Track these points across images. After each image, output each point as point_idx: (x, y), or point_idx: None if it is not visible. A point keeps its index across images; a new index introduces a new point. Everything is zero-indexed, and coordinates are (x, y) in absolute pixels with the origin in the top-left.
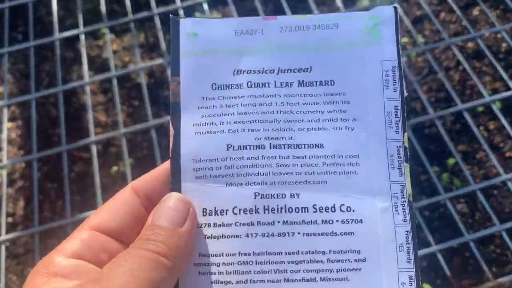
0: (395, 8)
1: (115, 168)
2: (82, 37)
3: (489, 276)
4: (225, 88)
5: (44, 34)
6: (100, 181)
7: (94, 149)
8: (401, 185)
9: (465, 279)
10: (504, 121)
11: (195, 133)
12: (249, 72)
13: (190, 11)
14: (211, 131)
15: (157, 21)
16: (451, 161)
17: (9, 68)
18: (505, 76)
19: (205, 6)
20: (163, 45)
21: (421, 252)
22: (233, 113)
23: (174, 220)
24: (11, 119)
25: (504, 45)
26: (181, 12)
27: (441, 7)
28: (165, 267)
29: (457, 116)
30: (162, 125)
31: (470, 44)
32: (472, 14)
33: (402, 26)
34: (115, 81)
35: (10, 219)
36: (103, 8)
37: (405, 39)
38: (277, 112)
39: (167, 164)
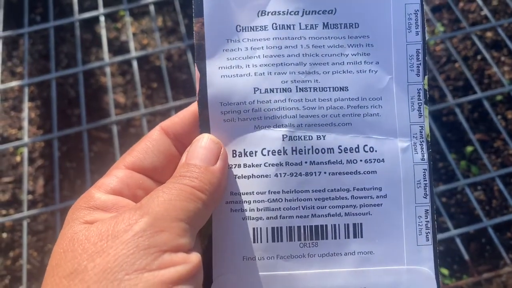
0: None
1: None
2: (102, 18)
3: (508, 262)
4: (250, 30)
5: (62, 16)
6: None
7: (115, 129)
8: (420, 126)
9: (482, 264)
10: None
11: (221, 76)
12: (273, 13)
13: None
14: (237, 74)
15: (177, 4)
16: (469, 148)
17: (28, 49)
18: None
19: None
20: (182, 29)
21: (440, 236)
22: (259, 55)
23: (207, 159)
24: (30, 99)
25: None
26: None
27: None
28: (200, 199)
29: (475, 104)
30: (181, 107)
31: (488, 34)
32: (492, 4)
33: None
34: (135, 63)
35: (30, 197)
36: None
37: None
38: (303, 55)
39: (194, 106)
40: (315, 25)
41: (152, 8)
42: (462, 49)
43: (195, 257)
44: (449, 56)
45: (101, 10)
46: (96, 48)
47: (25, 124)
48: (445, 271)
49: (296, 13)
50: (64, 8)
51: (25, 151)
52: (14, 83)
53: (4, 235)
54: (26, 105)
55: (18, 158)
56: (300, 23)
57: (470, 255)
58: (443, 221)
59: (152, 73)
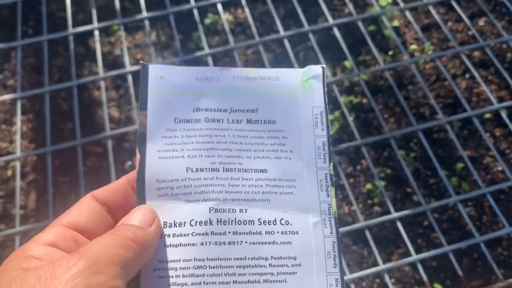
0: (322, 67)
1: (129, 163)
2: (96, 33)
3: (500, 277)
4: (186, 122)
5: (55, 29)
6: (115, 175)
7: (109, 143)
8: (328, 204)
9: (474, 279)
10: (511, 127)
11: (158, 158)
12: (206, 110)
13: (203, 11)
14: (173, 156)
15: (171, 19)
16: (460, 165)
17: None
18: None
19: (219, 6)
20: (177, 44)
21: (433, 252)
22: (192, 142)
23: (142, 222)
24: (22, 112)
25: (509, 55)
26: (195, 12)
27: (448, 17)
28: (133, 249)
29: (464, 122)
30: None
31: (476, 53)
32: (478, 24)
33: (411, 34)
34: (130, 77)
35: (21, 212)
36: (117, 5)
37: (413, 47)
38: (230, 142)
39: (124, 178)
40: (240, 120)
41: (146, 23)
42: (451, 68)
43: None
44: (438, 74)
45: (96, 24)
46: (89, 62)
47: (18, 137)
48: (438, 287)
49: (225, 110)
50: (56, 22)
51: (17, 165)
52: (6, 97)
53: None
54: (18, 118)
55: (9, 172)
56: (228, 118)
57: (463, 271)
58: (435, 237)
59: None
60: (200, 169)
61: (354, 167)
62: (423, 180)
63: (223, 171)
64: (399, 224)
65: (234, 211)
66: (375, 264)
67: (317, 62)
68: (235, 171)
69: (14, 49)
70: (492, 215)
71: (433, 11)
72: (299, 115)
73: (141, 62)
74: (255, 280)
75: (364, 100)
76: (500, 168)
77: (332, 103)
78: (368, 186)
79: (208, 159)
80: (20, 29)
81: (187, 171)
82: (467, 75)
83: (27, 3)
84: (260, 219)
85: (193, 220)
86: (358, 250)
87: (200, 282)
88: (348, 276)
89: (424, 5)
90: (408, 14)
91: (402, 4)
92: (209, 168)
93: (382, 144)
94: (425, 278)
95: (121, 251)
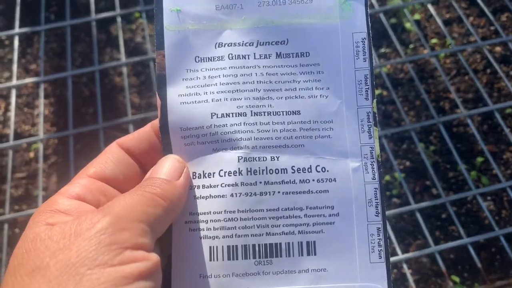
0: None
1: None
2: (119, 19)
3: None
4: (207, 60)
5: (77, 15)
6: None
7: (131, 128)
8: (371, 147)
9: (492, 273)
10: None
11: (180, 103)
12: (230, 45)
13: None
14: (196, 101)
15: None
16: (479, 159)
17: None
18: None
19: None
20: None
21: (452, 244)
22: (216, 83)
23: (170, 174)
24: (44, 96)
25: None
26: None
27: (470, 11)
28: (161, 205)
29: (485, 117)
30: None
31: (497, 48)
32: (501, 20)
33: (432, 28)
34: (151, 64)
35: (43, 193)
36: None
37: (434, 40)
38: (257, 82)
39: (149, 126)
40: (269, 54)
41: None
42: (472, 62)
43: (155, 257)
44: (459, 68)
45: (118, 11)
46: (110, 48)
47: (41, 120)
48: (456, 279)
49: (251, 44)
50: (78, 8)
51: (40, 147)
52: (29, 80)
53: (17, 230)
54: (41, 101)
55: (31, 154)
56: (255, 53)
57: (481, 264)
58: (453, 230)
59: None
60: (226, 114)
61: None
62: (442, 173)
63: (251, 115)
64: (418, 215)
65: (265, 159)
66: (394, 254)
67: None
68: (264, 114)
69: (37, 34)
70: (511, 210)
71: (455, 5)
72: (337, 44)
73: None
74: (289, 231)
75: (385, 93)
76: None
77: None
78: (387, 177)
79: (234, 103)
80: (43, 14)
81: (212, 117)
82: (488, 70)
83: None
84: (293, 166)
85: (222, 170)
86: None
87: (232, 235)
88: None
89: None
90: (430, 7)
91: None
92: (235, 113)
93: (402, 137)
94: (443, 269)
95: (148, 207)
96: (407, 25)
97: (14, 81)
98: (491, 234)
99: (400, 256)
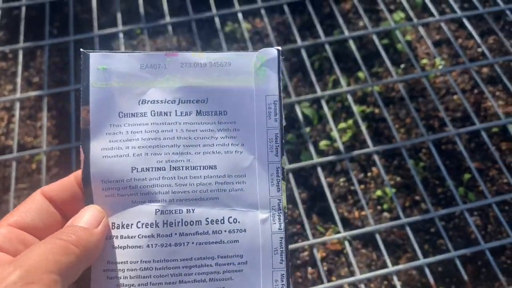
0: (278, 50)
1: None
2: (121, 35)
3: (504, 284)
4: (131, 116)
5: (79, 31)
6: None
7: None
8: (278, 199)
9: (478, 286)
10: None
11: (103, 157)
12: (153, 102)
13: (224, 20)
14: (117, 155)
15: (193, 26)
16: (466, 176)
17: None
18: None
19: (240, 15)
20: (198, 50)
21: (440, 257)
22: (137, 138)
23: (89, 223)
24: (47, 109)
25: None
26: (216, 20)
27: (459, 33)
28: (73, 253)
29: (472, 135)
30: None
31: (485, 70)
32: (488, 42)
33: (423, 48)
34: None
35: None
36: (141, 9)
37: (425, 61)
38: (177, 138)
39: (72, 176)
40: (189, 112)
41: (169, 28)
42: (460, 82)
43: None
44: (448, 88)
45: (120, 27)
46: None
47: (43, 132)
48: None
49: (173, 101)
50: (81, 23)
51: (43, 158)
52: (33, 93)
53: None
54: (45, 114)
55: (33, 166)
56: (176, 110)
57: (468, 276)
58: (442, 243)
59: None
60: (146, 168)
61: (365, 174)
62: (431, 189)
63: (170, 169)
64: (408, 229)
65: (181, 211)
66: (384, 266)
67: (332, 73)
68: (182, 169)
69: (40, 48)
70: (497, 225)
71: (444, 28)
72: (252, 105)
73: (81, 50)
74: (201, 279)
75: (377, 110)
76: (505, 180)
77: (345, 112)
78: (378, 192)
79: (154, 157)
80: (47, 29)
81: (132, 171)
82: (476, 90)
83: (54, 4)
84: (207, 218)
85: (139, 222)
86: (368, 253)
87: (147, 283)
88: (358, 277)
89: (436, 21)
90: (420, 29)
91: (415, 20)
92: (155, 168)
93: (393, 153)
94: (431, 281)
95: (60, 256)
96: (399, 46)
97: (18, 94)
98: (477, 248)
99: (390, 268)
